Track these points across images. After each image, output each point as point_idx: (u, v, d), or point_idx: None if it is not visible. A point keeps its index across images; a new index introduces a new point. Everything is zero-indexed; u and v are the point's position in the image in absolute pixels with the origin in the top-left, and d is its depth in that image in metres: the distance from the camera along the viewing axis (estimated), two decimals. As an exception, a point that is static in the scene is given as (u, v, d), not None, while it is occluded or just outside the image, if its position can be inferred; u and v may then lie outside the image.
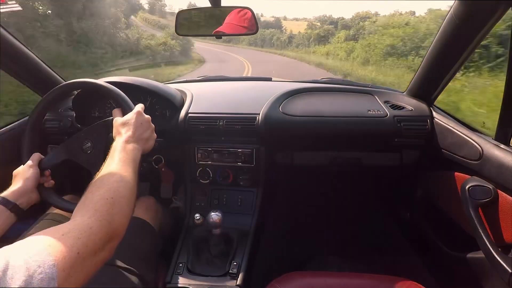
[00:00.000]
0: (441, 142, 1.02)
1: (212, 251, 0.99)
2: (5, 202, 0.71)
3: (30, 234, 0.47)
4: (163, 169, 1.17)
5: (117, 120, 0.76)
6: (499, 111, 0.81)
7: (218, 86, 1.45)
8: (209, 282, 0.91)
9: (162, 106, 1.19)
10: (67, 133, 1.14)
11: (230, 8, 0.97)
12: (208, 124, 1.12)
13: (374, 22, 19.42)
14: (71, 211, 0.56)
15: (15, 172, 0.79)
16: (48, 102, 0.89)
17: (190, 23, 1.06)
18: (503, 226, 0.76)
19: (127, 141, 0.71)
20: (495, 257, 0.72)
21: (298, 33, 33.19)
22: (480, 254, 0.88)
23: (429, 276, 1.21)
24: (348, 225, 1.57)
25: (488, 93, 2.74)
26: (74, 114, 1.16)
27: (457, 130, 0.95)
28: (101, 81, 0.93)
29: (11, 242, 0.41)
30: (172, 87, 1.25)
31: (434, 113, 1.09)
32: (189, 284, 0.91)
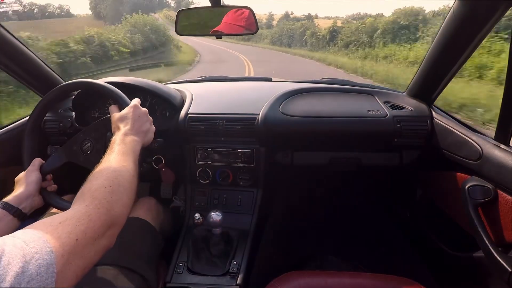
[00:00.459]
0: (441, 142, 1.02)
1: (212, 250, 0.99)
2: (8, 207, 0.72)
3: None
4: (163, 169, 1.17)
5: (115, 115, 0.77)
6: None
7: (218, 86, 1.45)
8: (209, 281, 0.91)
9: (162, 106, 1.19)
10: (67, 134, 1.14)
11: (231, 8, 0.97)
12: (208, 124, 1.12)
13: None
14: None
15: (17, 178, 0.79)
16: (48, 102, 0.90)
17: (190, 23, 1.05)
18: (502, 226, 0.77)
19: (126, 134, 0.72)
20: (495, 256, 0.72)
21: (348, 26, 18.75)
22: (480, 254, 0.88)
23: (429, 276, 1.21)
24: (348, 225, 1.57)
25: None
26: (74, 115, 1.16)
27: (457, 130, 0.95)
28: (101, 81, 0.93)
29: None
30: (172, 87, 1.25)
31: (434, 113, 1.09)
32: (189, 284, 0.91)
